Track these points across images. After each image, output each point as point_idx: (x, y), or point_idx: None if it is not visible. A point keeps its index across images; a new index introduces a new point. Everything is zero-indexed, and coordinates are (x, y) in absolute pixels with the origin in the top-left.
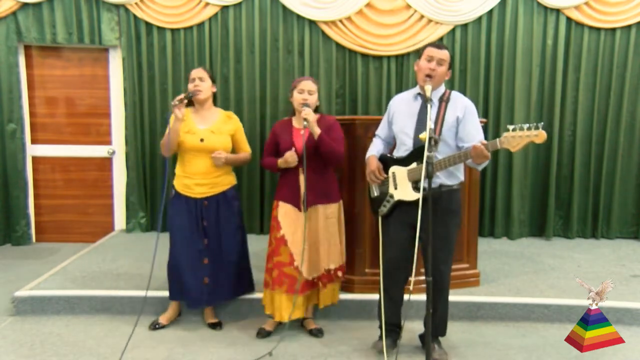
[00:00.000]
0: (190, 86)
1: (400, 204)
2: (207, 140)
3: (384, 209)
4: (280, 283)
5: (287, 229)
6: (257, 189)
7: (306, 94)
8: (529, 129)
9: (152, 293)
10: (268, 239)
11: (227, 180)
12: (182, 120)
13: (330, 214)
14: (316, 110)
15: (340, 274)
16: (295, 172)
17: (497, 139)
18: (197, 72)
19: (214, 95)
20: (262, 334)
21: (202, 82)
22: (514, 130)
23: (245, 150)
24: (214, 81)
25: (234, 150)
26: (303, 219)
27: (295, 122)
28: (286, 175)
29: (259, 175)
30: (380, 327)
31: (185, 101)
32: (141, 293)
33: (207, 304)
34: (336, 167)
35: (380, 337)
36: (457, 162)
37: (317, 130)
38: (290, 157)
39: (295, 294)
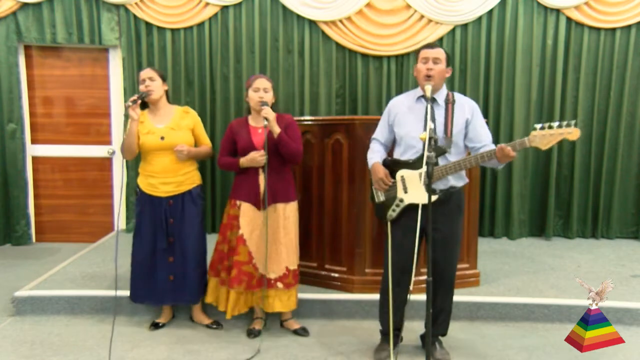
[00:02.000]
0: (142, 87)
1: (409, 206)
2: (168, 138)
3: (393, 214)
4: (240, 281)
5: (245, 228)
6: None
7: (262, 92)
8: (559, 126)
9: None
10: (219, 235)
11: (192, 179)
12: (137, 121)
13: (289, 212)
14: (272, 107)
15: (298, 272)
16: (255, 171)
17: (526, 138)
18: (146, 73)
19: (167, 93)
20: (255, 333)
21: (152, 82)
22: (542, 129)
23: (206, 144)
24: (164, 79)
25: (195, 145)
26: (262, 217)
27: (252, 121)
28: (244, 174)
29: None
30: (382, 332)
31: (139, 102)
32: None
33: (169, 301)
34: (294, 165)
35: (382, 343)
36: (479, 163)
37: (277, 129)
38: (259, 157)
39: (252, 290)
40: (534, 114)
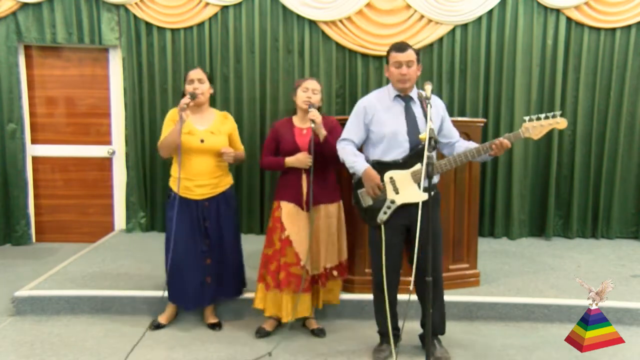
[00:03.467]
0: (190, 88)
1: (399, 207)
2: (207, 141)
3: (384, 216)
4: (289, 284)
5: (291, 229)
6: (257, 188)
7: (310, 92)
8: (546, 117)
9: (149, 293)
10: (266, 240)
11: (226, 181)
12: (185, 122)
13: (331, 213)
14: (319, 110)
15: (335, 273)
16: (298, 172)
17: (520, 130)
18: (196, 74)
19: (211, 95)
20: (261, 333)
21: (201, 84)
22: (530, 120)
23: (241, 149)
24: (211, 82)
25: None
26: (306, 218)
27: (297, 122)
28: (288, 175)
29: (259, 175)
30: (380, 333)
31: (191, 103)
32: (141, 293)
33: (208, 302)
34: (338, 167)
35: (380, 344)
36: (474, 157)
37: (323, 132)
38: (304, 159)
39: (301, 293)
40: (534, 113)
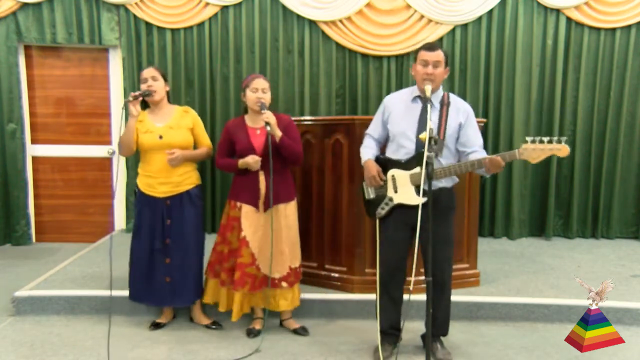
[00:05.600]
0: (144, 86)
1: (400, 206)
2: (166, 137)
3: (382, 212)
4: (243, 283)
5: (247, 230)
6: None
7: (260, 92)
8: (549, 142)
9: None
10: (219, 236)
11: (191, 180)
12: (136, 118)
13: (290, 212)
14: (269, 107)
15: (300, 270)
16: (255, 173)
17: (516, 150)
18: (149, 72)
19: (168, 93)
20: (254, 333)
21: (155, 82)
22: (532, 142)
23: (206, 145)
24: (166, 80)
25: (195, 146)
26: (263, 219)
27: (249, 121)
28: (244, 176)
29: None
30: (381, 332)
31: (140, 99)
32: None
33: (168, 303)
34: (297, 166)
35: (381, 343)
36: (468, 170)
37: (278, 133)
38: (253, 162)
39: (253, 292)
40: (534, 114)
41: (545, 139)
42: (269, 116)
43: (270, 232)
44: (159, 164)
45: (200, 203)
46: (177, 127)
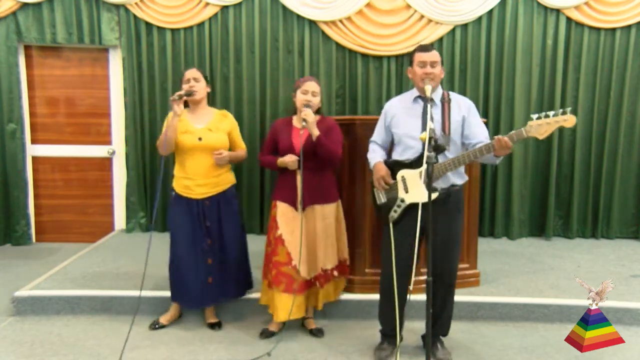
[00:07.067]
0: (186, 87)
1: (410, 207)
2: (205, 139)
3: (394, 215)
4: (278, 282)
5: (284, 229)
6: (257, 188)
7: (310, 95)
8: (555, 115)
9: (150, 293)
10: (266, 239)
11: (227, 180)
12: (179, 117)
13: (328, 214)
14: (318, 111)
15: (336, 273)
16: (293, 172)
17: (522, 128)
18: (192, 73)
19: (208, 95)
20: (266, 334)
21: (197, 83)
22: (538, 118)
23: (241, 148)
24: (208, 81)
25: (230, 148)
26: (299, 219)
27: (296, 122)
28: (284, 175)
29: (259, 175)
30: (382, 333)
31: (184, 98)
32: (141, 293)
33: (210, 303)
34: (334, 168)
35: (382, 343)
36: (477, 157)
37: (315, 132)
38: (290, 162)
39: (294, 294)
40: (534, 113)
41: (551, 112)
42: (307, 114)
43: (308, 233)
44: (197, 165)
45: (236, 202)
46: (215, 130)
